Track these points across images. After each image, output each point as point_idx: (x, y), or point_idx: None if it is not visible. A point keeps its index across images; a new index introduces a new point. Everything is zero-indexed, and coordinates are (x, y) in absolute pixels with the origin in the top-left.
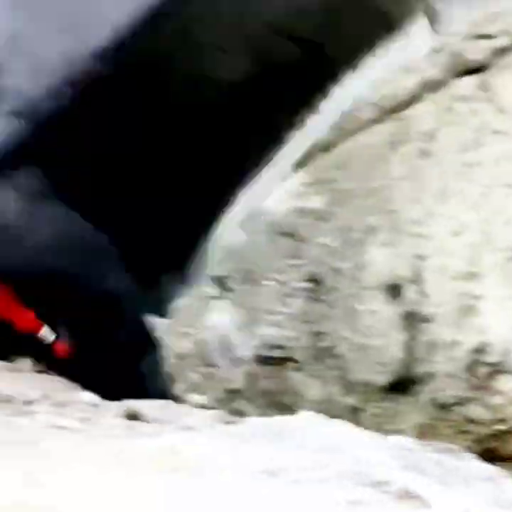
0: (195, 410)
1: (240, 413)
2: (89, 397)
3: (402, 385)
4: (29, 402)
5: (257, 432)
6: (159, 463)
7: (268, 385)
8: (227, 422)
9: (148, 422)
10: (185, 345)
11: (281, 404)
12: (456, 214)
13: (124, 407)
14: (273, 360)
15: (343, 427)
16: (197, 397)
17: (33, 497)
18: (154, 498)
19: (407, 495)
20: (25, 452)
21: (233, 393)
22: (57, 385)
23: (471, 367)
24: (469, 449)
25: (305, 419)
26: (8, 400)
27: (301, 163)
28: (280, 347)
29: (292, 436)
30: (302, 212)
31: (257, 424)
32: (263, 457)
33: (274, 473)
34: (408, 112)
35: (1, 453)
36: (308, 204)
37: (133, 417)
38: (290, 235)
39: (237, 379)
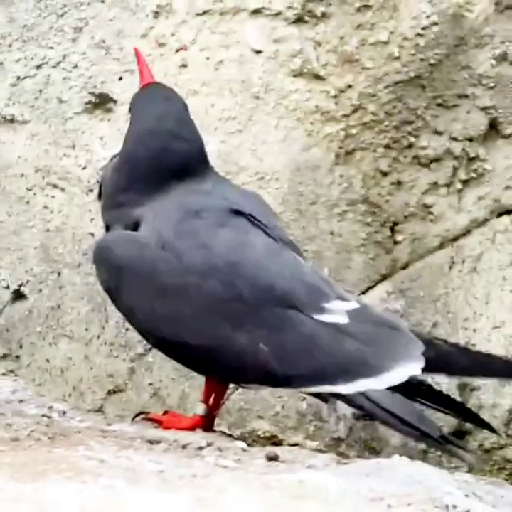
0: (317, 453)
1: (344, 455)
2: (240, 443)
3: (457, 435)
4: (200, 448)
5: (360, 470)
6: (293, 491)
7: (363, 434)
8: (338, 462)
9: (284, 462)
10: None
11: (372, 448)
12: (496, 313)
13: (266, 450)
14: (365, 418)
15: (420, 466)
16: (310, 443)
17: None
18: None
19: None
20: (197, 483)
21: (338, 440)
22: (217, 435)
23: (508, 422)
24: (507, 481)
25: (393, 460)
26: (184, 446)
27: (386, 276)
28: None
29: (384, 472)
30: (388, 311)
31: (358, 464)
32: (365, 488)
33: (375, 499)
34: (461, 242)
35: (179, 484)
36: (391, 306)
37: (273, 458)
38: None
39: (340, 430)
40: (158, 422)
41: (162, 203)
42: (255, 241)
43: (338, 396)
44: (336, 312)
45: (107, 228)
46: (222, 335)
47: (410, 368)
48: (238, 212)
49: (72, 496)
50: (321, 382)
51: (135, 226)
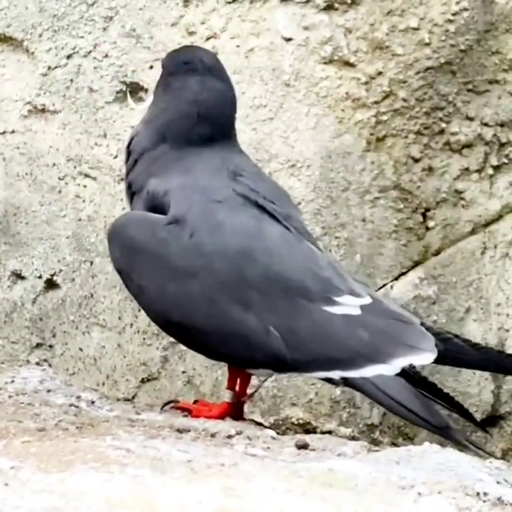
0: (347, 441)
1: (376, 442)
2: (270, 432)
3: (491, 420)
4: (229, 437)
5: (390, 457)
6: (322, 480)
7: (396, 420)
8: (368, 450)
9: (314, 450)
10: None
11: (406, 434)
12: None
13: (295, 438)
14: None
15: (451, 453)
16: (344, 430)
17: (232, 505)
18: (318, 501)
19: (500, 503)
20: (225, 472)
21: (371, 427)
22: (247, 423)
23: None
24: None
25: (423, 447)
26: (213, 434)
27: (418, 262)
28: None
29: (414, 460)
30: (420, 298)
31: (388, 451)
32: (395, 476)
33: (405, 487)
34: (493, 227)
35: (206, 473)
36: (423, 292)
37: (302, 446)
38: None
39: (374, 416)
40: (187, 411)
41: (187, 175)
42: (271, 229)
43: (347, 382)
44: (348, 305)
45: (130, 186)
46: (231, 318)
47: (421, 357)
48: (258, 200)
49: (98, 487)
50: (331, 367)
51: (158, 200)
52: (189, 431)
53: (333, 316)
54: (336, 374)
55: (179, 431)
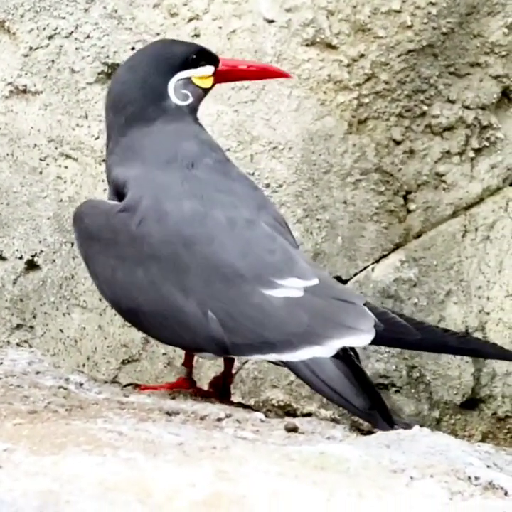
0: (336, 425)
1: (357, 424)
2: (259, 415)
3: (471, 403)
4: (219, 420)
5: (380, 441)
6: (313, 463)
7: None
8: (358, 434)
9: (303, 433)
10: None
11: None
12: (509, 281)
13: (285, 421)
14: (380, 386)
15: (441, 437)
16: (324, 412)
17: (226, 488)
18: (311, 485)
19: (491, 486)
20: (217, 455)
21: None
22: (235, 406)
23: None
24: None
25: (413, 430)
26: (202, 417)
27: (399, 245)
28: (385, 376)
29: (405, 443)
30: (401, 280)
31: (378, 435)
32: (387, 459)
33: (397, 471)
34: (474, 210)
35: (199, 456)
36: (404, 275)
37: (292, 429)
38: (392, 297)
39: None
40: (144, 389)
41: (143, 166)
42: (217, 217)
43: (286, 365)
44: (290, 288)
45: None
46: (173, 304)
47: (358, 339)
48: (206, 191)
49: (91, 470)
50: (267, 350)
51: (120, 189)
52: (178, 413)
53: (273, 299)
54: (272, 357)
55: (168, 414)
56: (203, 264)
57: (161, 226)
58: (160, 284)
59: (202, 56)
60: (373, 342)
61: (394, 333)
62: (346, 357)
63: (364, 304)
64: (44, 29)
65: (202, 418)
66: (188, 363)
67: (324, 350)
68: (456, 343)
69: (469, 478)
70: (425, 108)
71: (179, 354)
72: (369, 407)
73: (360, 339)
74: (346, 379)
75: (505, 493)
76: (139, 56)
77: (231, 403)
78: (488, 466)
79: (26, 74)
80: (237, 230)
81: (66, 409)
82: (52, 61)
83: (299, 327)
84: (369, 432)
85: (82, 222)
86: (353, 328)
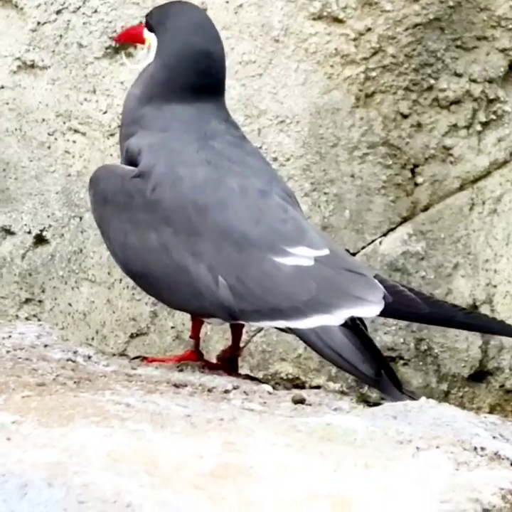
0: (343, 396)
1: (365, 397)
2: (266, 387)
3: (479, 376)
4: (226, 391)
5: (387, 412)
6: (320, 434)
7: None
8: (365, 405)
9: (310, 405)
10: None
11: None
12: None
13: (292, 393)
14: (388, 358)
15: (447, 409)
16: (333, 385)
17: (233, 459)
18: (317, 456)
19: (497, 457)
20: (224, 427)
21: (360, 382)
22: (243, 378)
23: None
24: None
25: (420, 402)
26: (210, 389)
27: (406, 218)
28: (393, 349)
29: (411, 415)
30: (408, 254)
31: (385, 406)
32: (393, 430)
33: (403, 442)
34: (481, 183)
35: (206, 427)
36: (411, 248)
37: (299, 401)
38: (400, 270)
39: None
40: (151, 361)
41: (162, 134)
42: (230, 183)
43: (294, 333)
44: (301, 256)
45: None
46: (184, 268)
47: (366, 309)
48: (221, 161)
49: (99, 441)
50: (275, 317)
51: (134, 158)
52: (186, 386)
53: (283, 267)
54: (280, 324)
55: (176, 386)
56: (215, 230)
57: (175, 191)
58: (172, 248)
59: None
60: (382, 314)
61: (402, 305)
62: (355, 326)
63: (374, 277)
64: (52, 4)
65: (209, 390)
66: (195, 335)
67: (333, 319)
68: (464, 318)
69: (475, 448)
70: (432, 82)
71: (187, 327)
72: (377, 373)
73: (369, 310)
74: (354, 347)
75: (511, 464)
76: None
77: (239, 375)
78: (494, 437)
79: (34, 49)
80: (249, 198)
81: (74, 382)
82: (60, 36)
83: (307, 295)
84: (376, 404)
85: (98, 185)
86: (362, 299)
